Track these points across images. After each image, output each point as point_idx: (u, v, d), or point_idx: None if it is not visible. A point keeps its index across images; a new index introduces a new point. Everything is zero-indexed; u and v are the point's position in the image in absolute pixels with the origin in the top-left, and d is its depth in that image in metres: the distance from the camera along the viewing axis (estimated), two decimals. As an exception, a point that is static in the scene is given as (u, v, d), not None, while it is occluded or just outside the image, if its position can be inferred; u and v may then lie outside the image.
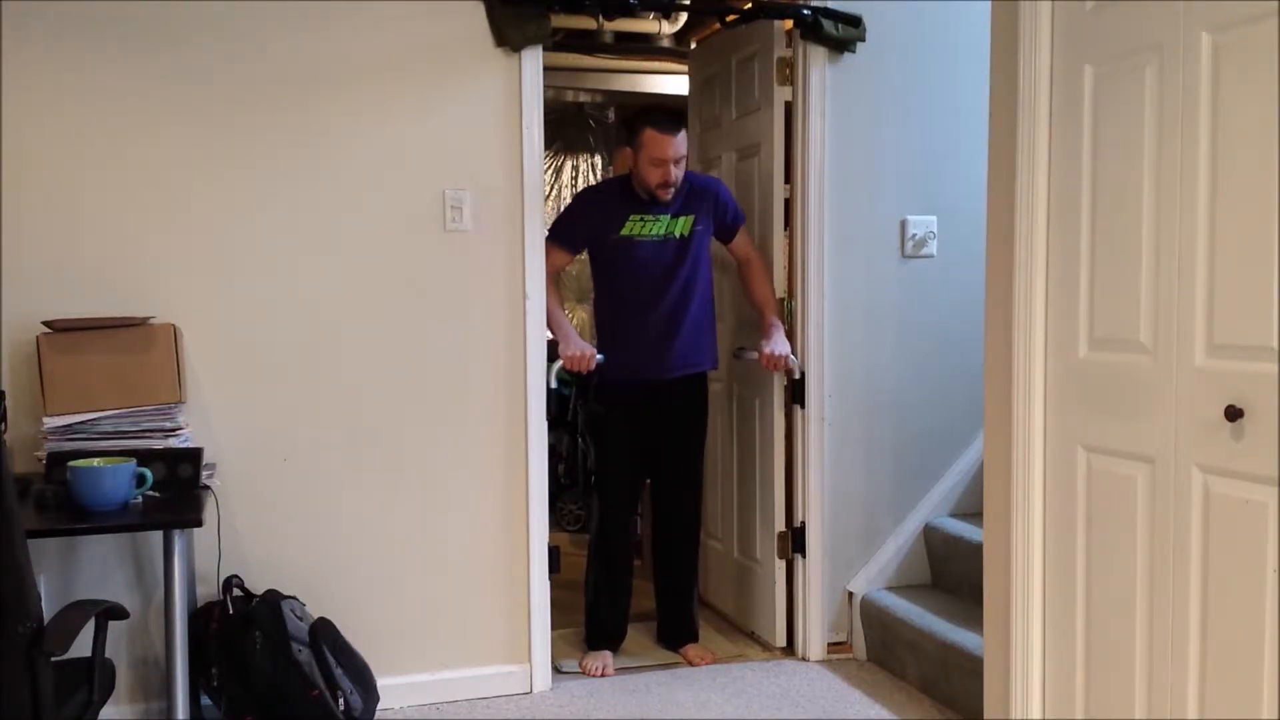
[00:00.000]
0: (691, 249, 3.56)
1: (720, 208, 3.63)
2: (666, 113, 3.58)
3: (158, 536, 2.74)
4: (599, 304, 3.69)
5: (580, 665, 3.58)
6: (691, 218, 3.56)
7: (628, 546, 3.75)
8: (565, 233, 3.61)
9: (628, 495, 3.73)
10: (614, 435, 3.63)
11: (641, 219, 3.52)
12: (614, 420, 3.63)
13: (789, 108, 3.67)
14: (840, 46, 3.56)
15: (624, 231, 3.52)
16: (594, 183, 6.90)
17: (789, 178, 3.69)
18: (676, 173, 3.46)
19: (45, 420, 2.75)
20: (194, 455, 2.78)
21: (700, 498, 3.78)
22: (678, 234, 3.54)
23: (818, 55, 3.56)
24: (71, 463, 2.58)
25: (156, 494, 2.68)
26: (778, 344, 3.55)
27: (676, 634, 3.75)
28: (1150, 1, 2.19)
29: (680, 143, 3.46)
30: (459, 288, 3.30)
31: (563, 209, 3.74)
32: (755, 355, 3.66)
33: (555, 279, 3.64)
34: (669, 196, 3.50)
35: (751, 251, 3.71)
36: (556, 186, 6.94)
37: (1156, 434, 2.20)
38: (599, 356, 3.53)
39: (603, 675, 3.53)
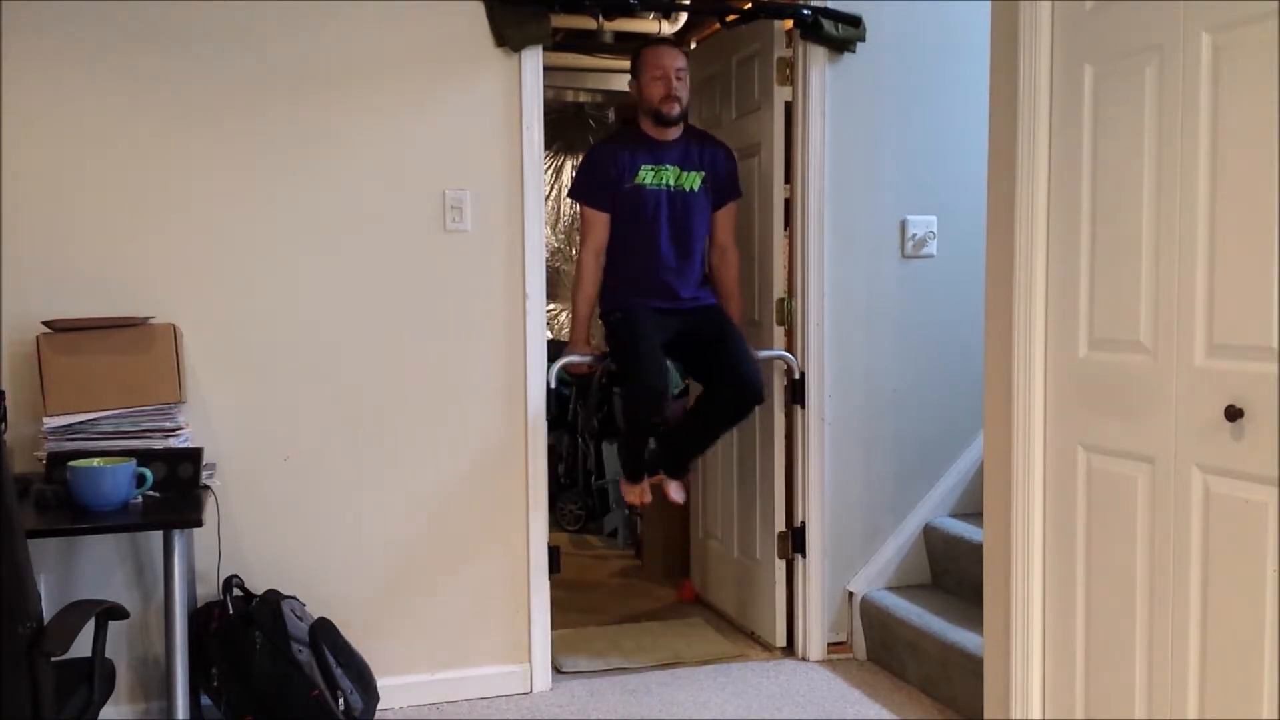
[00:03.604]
0: (700, 204, 3.60)
1: (721, 172, 3.65)
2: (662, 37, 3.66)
3: (158, 536, 2.74)
4: (611, 251, 3.63)
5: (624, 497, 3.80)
6: (701, 175, 3.59)
7: (659, 419, 3.61)
8: (592, 191, 3.59)
9: (658, 369, 3.53)
10: (641, 324, 3.54)
11: (653, 168, 3.55)
12: (637, 318, 3.55)
13: (789, 108, 3.67)
14: (840, 46, 3.56)
15: (637, 180, 3.54)
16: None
17: (789, 178, 3.70)
18: (679, 86, 3.52)
19: (45, 420, 2.75)
20: (194, 455, 2.78)
21: (759, 381, 3.56)
22: (687, 187, 3.57)
23: (818, 55, 3.56)
24: (71, 463, 2.58)
25: (156, 494, 2.68)
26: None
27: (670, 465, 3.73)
28: (1150, 1, 2.20)
29: (677, 54, 3.56)
30: (459, 288, 3.30)
31: (579, 166, 3.74)
32: (756, 357, 3.67)
33: (595, 264, 3.59)
34: (674, 110, 3.52)
35: (730, 241, 3.70)
36: (556, 186, 6.94)
37: (1156, 434, 2.20)
38: (590, 358, 3.60)
39: (642, 503, 3.78)
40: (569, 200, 6.96)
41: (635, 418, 3.58)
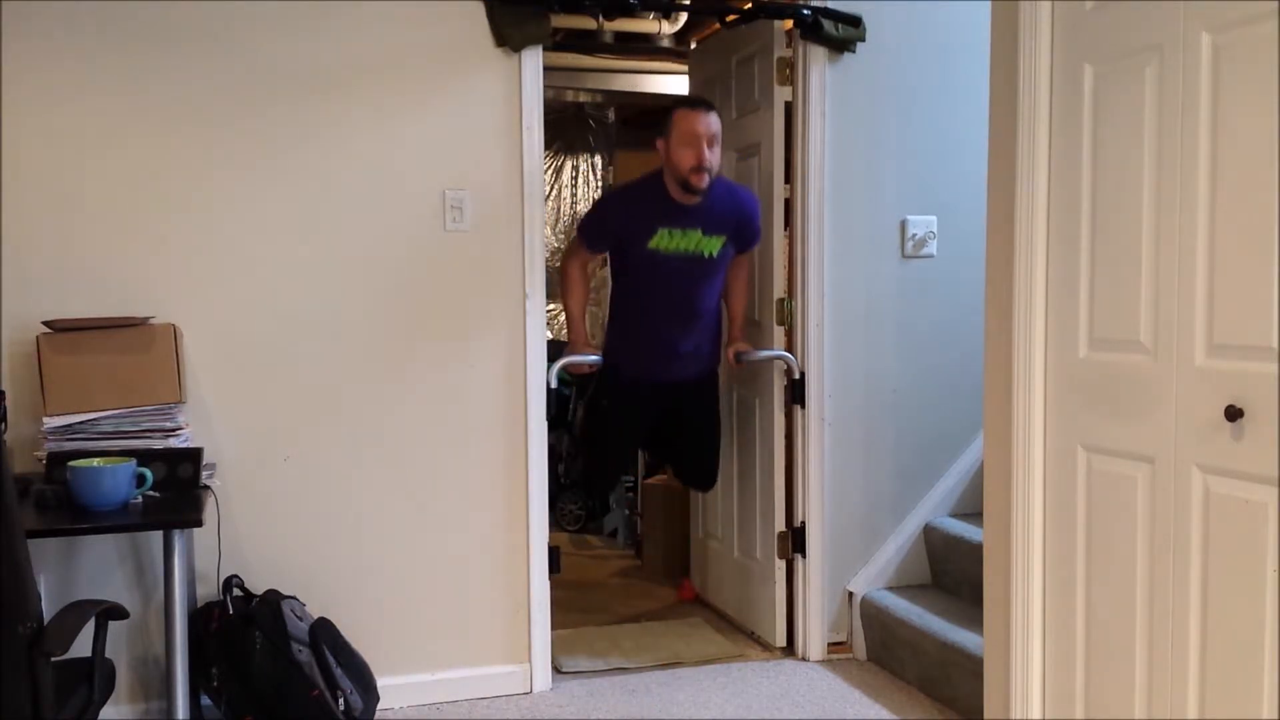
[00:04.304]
0: (716, 267, 3.53)
1: (747, 232, 3.56)
2: (698, 98, 3.59)
3: (158, 536, 2.74)
4: (615, 302, 3.68)
5: None
6: (723, 239, 3.47)
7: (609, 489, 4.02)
8: (592, 235, 3.58)
9: (615, 467, 3.95)
10: (615, 420, 3.67)
11: (671, 232, 3.41)
12: (617, 410, 3.64)
13: (789, 108, 3.67)
14: (840, 46, 3.56)
15: (652, 244, 3.42)
16: (610, 184, 6.92)
17: (789, 178, 3.69)
18: (711, 156, 3.31)
19: (45, 420, 2.75)
20: (194, 455, 2.78)
21: (715, 474, 3.89)
22: (706, 253, 3.46)
23: (818, 55, 3.56)
24: (71, 463, 2.58)
25: (156, 494, 2.68)
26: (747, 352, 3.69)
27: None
28: (1150, 1, 2.19)
29: (713, 120, 3.34)
30: (459, 288, 3.30)
31: (594, 203, 3.74)
32: (757, 357, 3.68)
33: (580, 275, 3.63)
34: (703, 184, 3.33)
35: (746, 258, 3.70)
36: (556, 186, 6.94)
37: (1156, 434, 2.20)
38: (594, 358, 3.61)
39: None
40: (569, 200, 6.97)
41: (589, 485, 3.94)
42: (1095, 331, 2.38)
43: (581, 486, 3.86)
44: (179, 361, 2.89)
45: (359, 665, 3.01)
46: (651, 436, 3.89)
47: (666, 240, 3.43)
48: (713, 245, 3.47)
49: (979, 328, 2.87)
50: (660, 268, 3.46)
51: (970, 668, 3.05)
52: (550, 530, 3.46)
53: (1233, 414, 2.00)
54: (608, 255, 3.75)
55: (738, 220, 3.51)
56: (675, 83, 5.46)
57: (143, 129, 3.03)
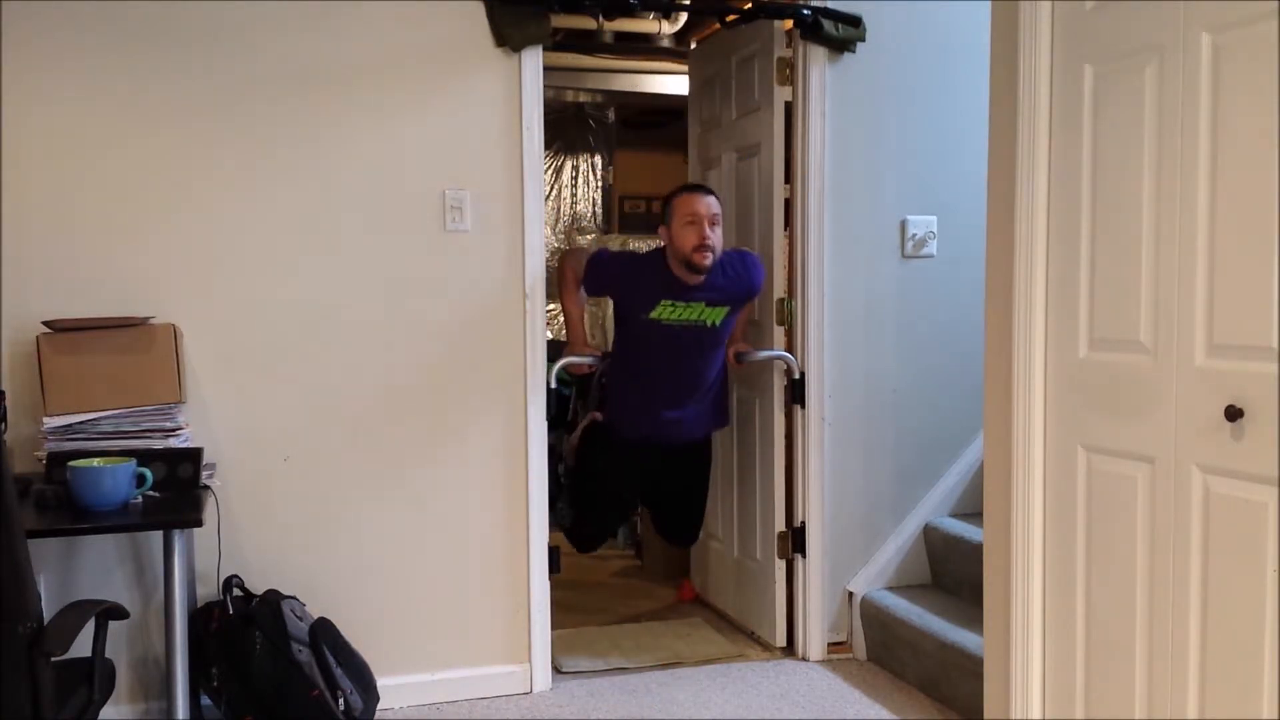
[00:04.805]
0: (719, 335, 3.55)
1: (750, 298, 3.60)
2: (697, 183, 3.70)
3: (158, 536, 2.74)
4: (615, 361, 3.70)
5: None
6: (725, 309, 3.49)
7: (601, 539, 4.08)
8: (593, 279, 3.61)
9: (609, 525, 4.06)
10: (610, 480, 3.77)
11: (673, 304, 3.44)
12: (612, 468, 3.74)
13: (789, 108, 3.67)
14: (840, 46, 3.56)
15: (653, 314, 3.45)
16: (609, 185, 6.96)
17: (789, 178, 3.69)
18: (713, 236, 3.37)
19: (45, 420, 2.75)
20: (194, 455, 2.78)
21: (698, 532, 4.04)
22: (708, 323, 3.49)
23: (818, 55, 3.56)
24: (71, 463, 2.58)
25: (156, 494, 2.68)
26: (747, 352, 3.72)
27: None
28: (1150, 1, 2.19)
29: (713, 202, 3.43)
30: (459, 288, 3.30)
31: (597, 258, 3.66)
32: (757, 357, 3.68)
33: (577, 278, 3.65)
34: (707, 262, 3.36)
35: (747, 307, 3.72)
36: (556, 186, 6.94)
37: (1156, 434, 2.20)
38: (593, 358, 3.64)
39: None
40: (569, 200, 6.97)
41: (576, 543, 3.97)
42: (1095, 331, 2.38)
43: (572, 541, 3.91)
44: (179, 361, 2.90)
45: (359, 665, 3.01)
46: (643, 494, 4.01)
47: (669, 312, 3.46)
48: (716, 315, 3.50)
49: (979, 328, 2.87)
50: (661, 337, 3.48)
51: (970, 668, 3.05)
52: (550, 530, 3.46)
53: (1233, 414, 2.00)
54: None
55: (746, 291, 3.56)
56: (675, 83, 5.46)
57: (143, 129, 3.03)
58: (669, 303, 3.44)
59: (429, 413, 3.29)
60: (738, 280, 3.52)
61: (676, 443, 3.71)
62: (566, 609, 3.85)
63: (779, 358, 3.69)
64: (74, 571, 3.02)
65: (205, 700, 2.92)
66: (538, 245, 3.36)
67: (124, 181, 3.02)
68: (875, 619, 3.60)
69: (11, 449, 2.77)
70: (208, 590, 3.06)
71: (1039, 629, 2.56)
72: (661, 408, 3.59)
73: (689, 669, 3.60)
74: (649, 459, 3.74)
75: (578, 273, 3.63)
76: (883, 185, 3.66)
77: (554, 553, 3.47)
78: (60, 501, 2.57)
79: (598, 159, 7.06)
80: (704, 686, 3.44)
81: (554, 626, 3.50)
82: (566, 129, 6.87)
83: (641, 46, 5.46)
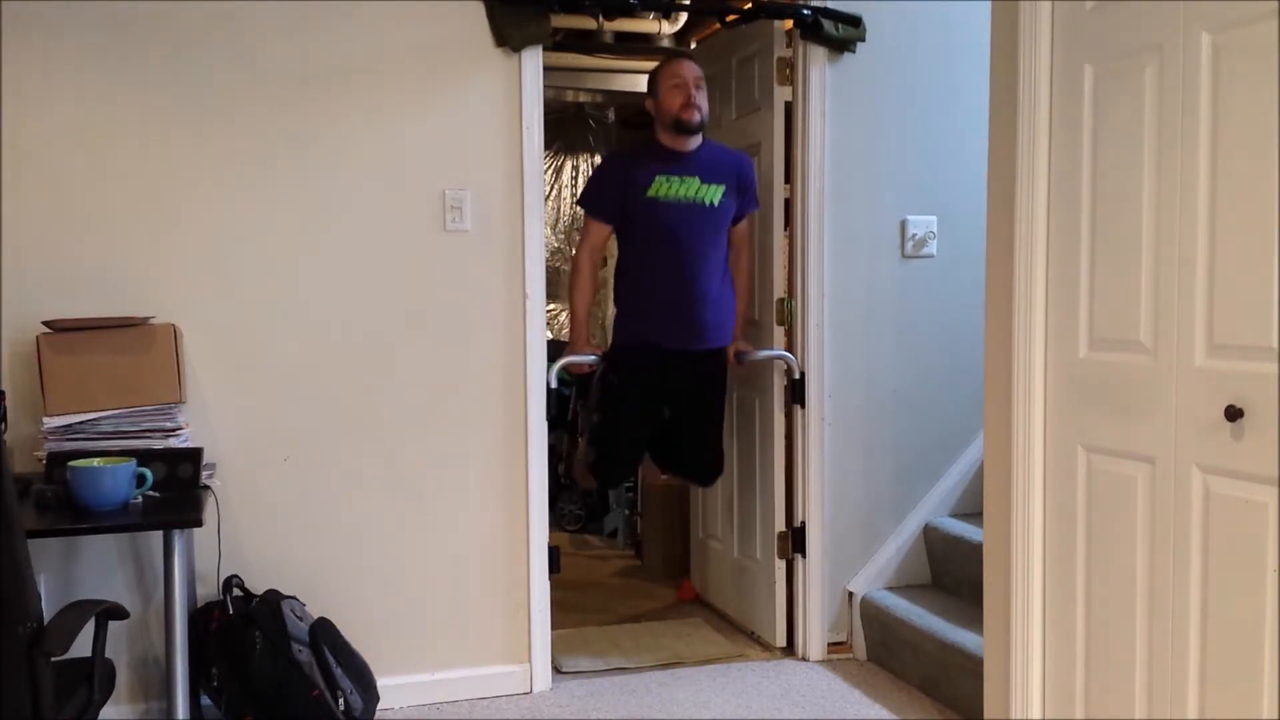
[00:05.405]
0: (718, 220, 3.54)
1: (746, 187, 3.62)
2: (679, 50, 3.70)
3: (158, 536, 2.74)
4: (621, 272, 3.66)
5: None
6: (721, 188, 3.53)
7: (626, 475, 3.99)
8: (599, 202, 3.58)
9: (630, 455, 3.79)
10: (627, 407, 3.61)
11: (669, 179, 3.48)
12: (629, 392, 3.59)
13: (789, 108, 3.67)
14: (840, 46, 3.56)
15: (651, 192, 3.47)
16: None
17: (789, 178, 3.70)
18: (698, 96, 3.47)
19: (45, 420, 2.75)
20: (194, 455, 2.78)
21: (716, 468, 3.81)
22: (706, 201, 3.50)
23: (818, 55, 3.56)
24: (71, 463, 2.58)
25: (156, 494, 2.68)
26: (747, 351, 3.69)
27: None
28: (1150, 1, 2.20)
29: (695, 66, 3.54)
30: (459, 288, 3.30)
31: (590, 175, 3.75)
32: (757, 357, 3.68)
33: (591, 270, 3.63)
34: (695, 118, 3.46)
35: (745, 241, 3.69)
36: (556, 186, 6.94)
37: (1156, 434, 2.20)
38: (593, 358, 3.61)
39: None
40: (569, 200, 6.97)
41: (600, 477, 3.82)
42: (1095, 331, 2.38)
43: (595, 475, 3.75)
44: (179, 361, 2.89)
45: (359, 665, 3.01)
46: (656, 426, 3.80)
47: (665, 187, 3.47)
48: (713, 194, 3.51)
49: (979, 328, 2.87)
50: (662, 218, 3.47)
51: (970, 668, 3.05)
52: (550, 530, 3.46)
53: (1233, 414, 2.00)
54: (609, 252, 3.77)
55: (735, 171, 3.57)
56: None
57: (143, 129, 3.03)
58: (664, 177, 3.48)
59: (429, 412, 3.29)
60: (726, 156, 3.60)
61: (688, 348, 3.56)
62: (566, 609, 3.85)
63: (779, 357, 3.70)
64: (74, 571, 3.02)
65: (205, 700, 2.92)
66: (538, 245, 3.36)
67: (124, 181, 3.02)
68: (875, 619, 3.60)
69: (11, 449, 2.77)
70: (208, 590, 3.06)
71: (1039, 629, 2.56)
72: (671, 296, 3.51)
73: (689, 669, 3.60)
74: (665, 371, 3.59)
75: (594, 258, 3.61)
76: (883, 185, 3.66)
77: (554, 553, 3.47)
78: (60, 501, 2.57)
79: (598, 159, 7.06)
80: (704, 686, 3.44)
81: (554, 626, 3.50)
82: (566, 129, 6.88)
83: (641, 46, 5.46)
